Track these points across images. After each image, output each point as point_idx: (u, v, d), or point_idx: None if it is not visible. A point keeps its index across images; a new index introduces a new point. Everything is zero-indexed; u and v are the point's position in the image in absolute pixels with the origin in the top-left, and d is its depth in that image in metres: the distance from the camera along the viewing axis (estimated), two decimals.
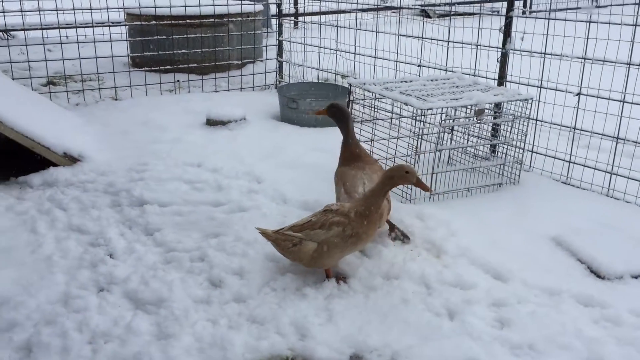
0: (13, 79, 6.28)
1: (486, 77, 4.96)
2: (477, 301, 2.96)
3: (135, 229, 3.73)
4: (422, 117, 3.81)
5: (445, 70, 5.29)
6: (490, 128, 4.59)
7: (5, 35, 10.43)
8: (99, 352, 2.59)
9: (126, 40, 7.87)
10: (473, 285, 3.08)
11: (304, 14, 10.93)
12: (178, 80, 7.26)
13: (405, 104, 3.87)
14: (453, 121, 4.30)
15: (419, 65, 5.59)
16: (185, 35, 7.29)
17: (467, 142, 4.47)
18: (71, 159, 4.82)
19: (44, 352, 2.57)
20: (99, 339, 2.67)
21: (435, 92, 4.20)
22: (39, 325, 2.73)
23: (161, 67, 7.31)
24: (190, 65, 7.58)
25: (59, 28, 6.68)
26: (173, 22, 7.47)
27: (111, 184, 4.33)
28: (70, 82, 7.44)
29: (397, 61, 5.84)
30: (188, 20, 7.43)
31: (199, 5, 7.20)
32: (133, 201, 4.05)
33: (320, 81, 6.88)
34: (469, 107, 4.10)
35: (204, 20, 7.49)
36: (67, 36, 8.07)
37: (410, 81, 4.49)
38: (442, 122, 3.93)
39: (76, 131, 5.45)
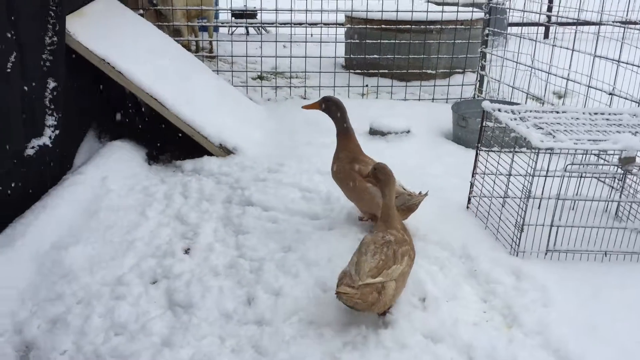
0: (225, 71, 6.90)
1: None
2: None
3: (227, 228, 3.80)
4: (537, 156, 3.17)
5: (638, 103, 4.35)
6: None
7: (262, 30, 11.53)
8: (105, 344, 2.68)
9: (330, 41, 8.06)
10: None
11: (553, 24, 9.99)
12: (367, 85, 7.21)
13: (525, 138, 3.26)
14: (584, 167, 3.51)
15: (610, 94, 4.69)
16: (388, 40, 7.21)
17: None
18: (225, 151, 5.11)
19: (62, 330, 2.75)
20: (112, 330, 2.78)
21: (581, 128, 3.47)
22: (73, 305, 2.94)
23: (364, 71, 7.36)
24: (391, 71, 7.45)
25: (268, 25, 7.11)
26: (369, 26, 7.40)
27: (238, 180, 4.48)
28: (279, 78, 7.91)
29: (588, 86, 4.98)
30: (385, 25, 7.30)
31: (411, 11, 7.01)
32: (242, 200, 4.13)
33: (510, 101, 6.21)
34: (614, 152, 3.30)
35: (412, 27, 7.29)
36: (309, 34, 8.58)
37: (564, 112, 3.77)
38: (567, 166, 3.22)
39: (250, 125, 5.76)
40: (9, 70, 3.74)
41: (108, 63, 4.84)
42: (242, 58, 7.42)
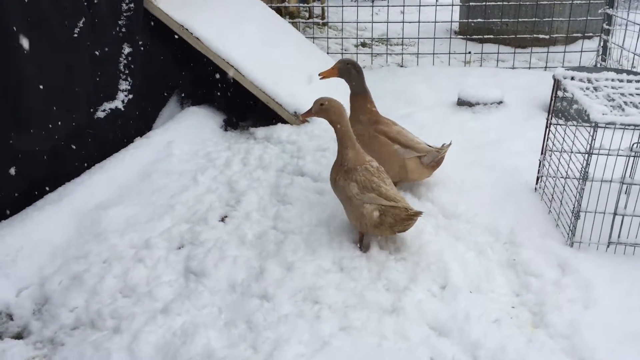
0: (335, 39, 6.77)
1: None
2: None
3: (272, 197, 3.70)
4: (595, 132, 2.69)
5: None
6: None
7: None
8: (111, 304, 2.71)
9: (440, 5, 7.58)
10: None
11: None
12: (469, 52, 6.69)
13: (585, 111, 2.79)
14: None
15: None
16: (495, 2, 6.64)
17: None
18: (299, 119, 5.01)
19: (77, 287, 2.82)
20: (122, 292, 2.81)
21: None
22: (97, 263, 3.01)
23: (467, 36, 6.86)
24: (498, 36, 6.87)
25: None
26: None
27: (300, 149, 4.36)
28: (380, 46, 7.62)
29: None
30: None
31: None
32: (295, 170, 4.01)
33: (631, 70, 5.45)
34: None
35: None
36: None
37: None
38: (633, 145, 2.71)
39: (333, 94, 5.58)
40: (76, 35, 3.89)
41: (186, 29, 4.89)
42: (352, 25, 7.25)
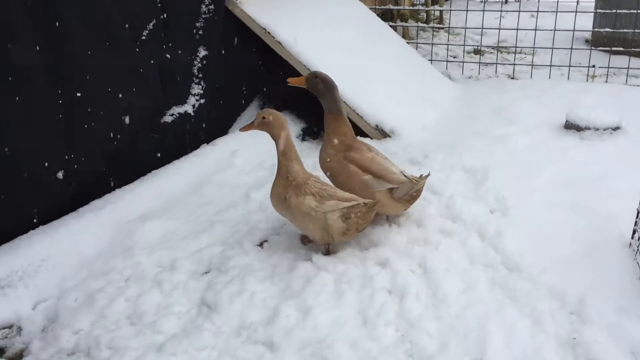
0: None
1: None
2: None
3: None
4: None
5: None
6: None
7: None
8: (113, 332, 2.53)
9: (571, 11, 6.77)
10: None
11: None
12: (593, 66, 5.88)
13: None
14: None
15: None
16: (629, 10, 5.79)
17: None
18: (382, 133, 4.65)
19: (86, 307, 2.68)
20: (129, 318, 2.63)
21: None
22: (117, 281, 2.85)
23: (591, 47, 6.05)
24: (635, 49, 6.00)
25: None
26: None
27: None
28: (494, 54, 6.99)
29: None
30: None
31: None
32: None
33: None
34: None
35: None
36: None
37: None
38: None
39: (427, 106, 5.14)
40: (144, 38, 3.80)
41: (269, 32, 4.69)
42: (470, 30, 6.75)
